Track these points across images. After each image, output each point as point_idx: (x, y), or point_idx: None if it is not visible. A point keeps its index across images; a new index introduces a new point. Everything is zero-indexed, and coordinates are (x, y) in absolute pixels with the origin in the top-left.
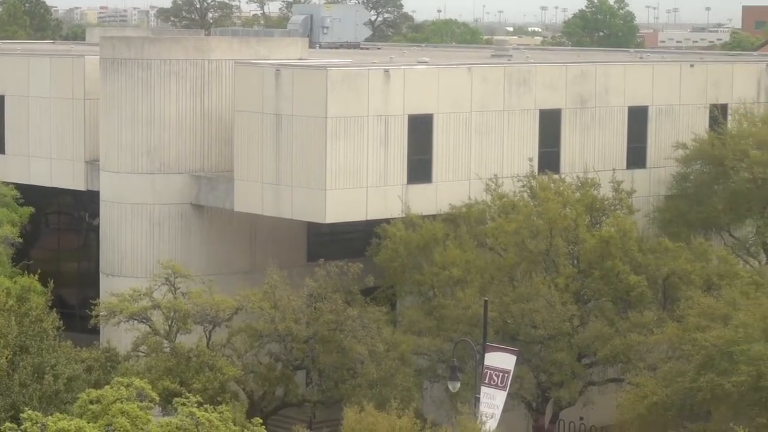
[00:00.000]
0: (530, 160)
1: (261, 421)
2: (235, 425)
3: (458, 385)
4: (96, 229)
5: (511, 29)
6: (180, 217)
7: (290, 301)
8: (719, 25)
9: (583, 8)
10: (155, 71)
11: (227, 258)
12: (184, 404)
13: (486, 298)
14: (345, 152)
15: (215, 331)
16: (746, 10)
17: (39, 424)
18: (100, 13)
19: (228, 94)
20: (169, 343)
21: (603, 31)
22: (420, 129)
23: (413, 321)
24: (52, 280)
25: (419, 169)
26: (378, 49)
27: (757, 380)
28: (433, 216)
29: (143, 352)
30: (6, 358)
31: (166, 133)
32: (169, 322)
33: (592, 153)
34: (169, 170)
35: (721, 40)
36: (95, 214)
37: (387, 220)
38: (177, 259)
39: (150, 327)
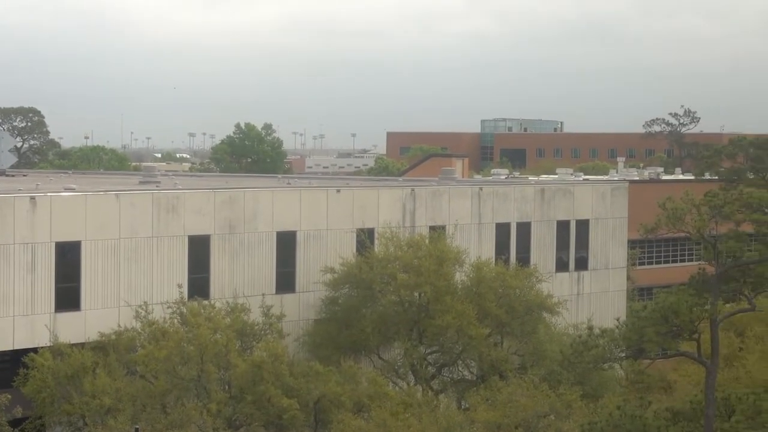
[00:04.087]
0: (180, 286)
1: None
2: None
3: None
4: None
5: (159, 155)
6: None
7: None
8: (365, 151)
9: (231, 134)
10: None
11: None
12: None
13: (137, 426)
14: None
15: None
16: (391, 136)
17: None
18: None
19: None
20: None
21: (251, 156)
22: (67, 256)
23: None
24: None
25: (67, 296)
26: (24, 176)
27: None
28: (82, 344)
29: None
30: None
31: None
32: None
33: (242, 278)
34: None
35: (367, 165)
36: None
37: (35, 349)
38: None
39: None
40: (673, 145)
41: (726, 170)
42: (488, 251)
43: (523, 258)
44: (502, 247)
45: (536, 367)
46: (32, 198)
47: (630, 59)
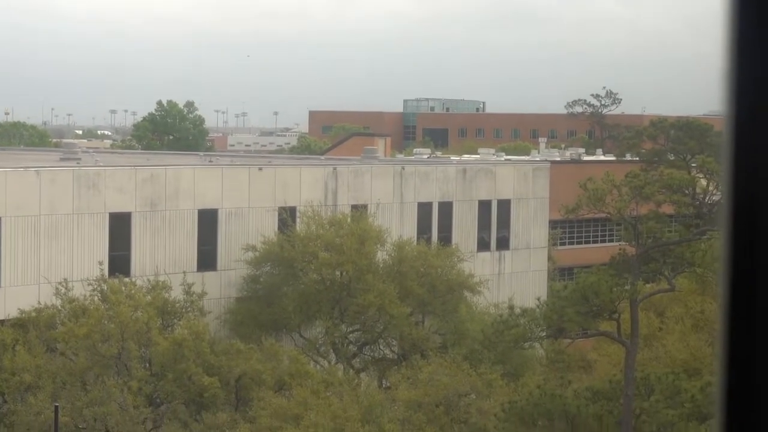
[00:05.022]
0: (101, 263)
1: None
2: None
3: None
4: None
5: (80, 132)
6: None
7: None
8: (287, 130)
9: (153, 111)
10: None
11: None
12: None
13: (57, 404)
14: None
15: None
16: (313, 114)
17: None
18: None
19: None
20: None
21: (173, 134)
22: None
23: None
24: None
25: None
26: None
27: None
28: (2, 321)
29: None
30: None
31: None
32: None
33: (163, 256)
34: None
35: (289, 144)
36: None
37: None
38: None
39: None
40: (595, 126)
41: (647, 152)
42: (410, 230)
43: (445, 237)
44: (423, 226)
45: (457, 346)
46: None
47: (551, 41)
